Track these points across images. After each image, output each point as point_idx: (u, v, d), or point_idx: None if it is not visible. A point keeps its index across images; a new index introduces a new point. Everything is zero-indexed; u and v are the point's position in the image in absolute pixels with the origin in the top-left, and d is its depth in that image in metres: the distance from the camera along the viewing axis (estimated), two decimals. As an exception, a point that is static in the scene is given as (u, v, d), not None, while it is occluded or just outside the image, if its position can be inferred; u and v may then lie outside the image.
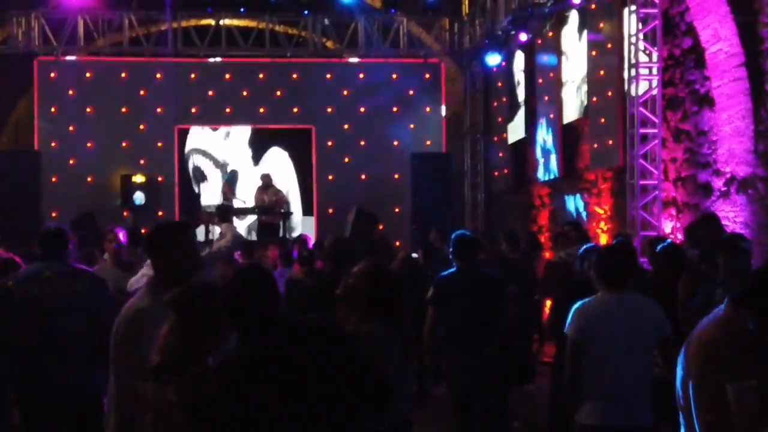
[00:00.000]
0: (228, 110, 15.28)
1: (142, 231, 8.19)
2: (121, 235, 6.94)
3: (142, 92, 14.93)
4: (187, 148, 15.78)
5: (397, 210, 15.02)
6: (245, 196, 15.35)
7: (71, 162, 14.67)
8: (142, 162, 14.91)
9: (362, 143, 15.35)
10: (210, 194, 15.60)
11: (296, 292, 6.59)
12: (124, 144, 14.90)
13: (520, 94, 14.75)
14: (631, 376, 4.30)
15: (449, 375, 6.16)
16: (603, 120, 11.25)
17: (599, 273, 4.46)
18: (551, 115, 13.21)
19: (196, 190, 15.71)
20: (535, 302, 8.68)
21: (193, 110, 15.22)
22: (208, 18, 15.38)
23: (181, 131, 15.52)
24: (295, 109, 15.32)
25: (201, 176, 15.90)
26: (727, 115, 8.41)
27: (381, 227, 12.87)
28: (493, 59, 14.57)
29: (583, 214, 12.13)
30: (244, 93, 15.25)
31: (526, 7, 12.76)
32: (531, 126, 14.20)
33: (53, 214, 13.75)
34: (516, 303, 7.09)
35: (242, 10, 15.88)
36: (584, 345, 4.32)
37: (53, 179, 14.48)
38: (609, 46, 11.01)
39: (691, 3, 8.69)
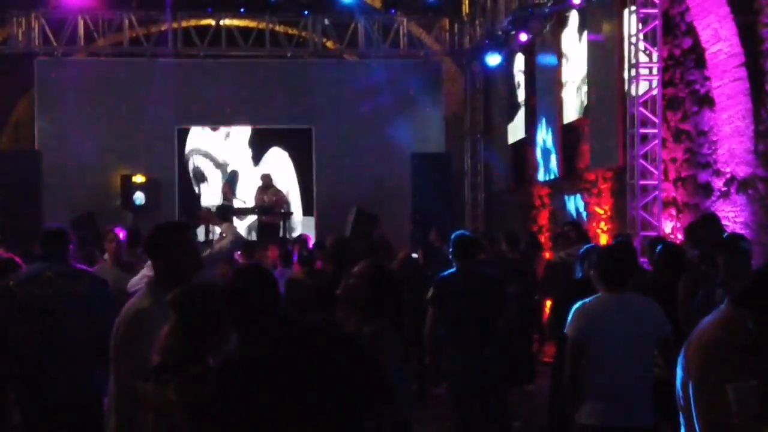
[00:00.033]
0: (228, 110, 15.29)
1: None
2: (121, 235, 6.93)
3: (142, 92, 14.92)
4: (187, 148, 15.78)
5: (397, 210, 15.02)
6: (245, 196, 15.35)
7: (71, 162, 14.64)
8: (142, 162, 14.91)
9: (362, 143, 15.34)
10: (210, 194, 15.62)
11: (296, 292, 6.59)
12: (124, 144, 14.90)
13: (520, 94, 14.74)
14: (632, 376, 4.29)
15: (449, 375, 6.16)
16: (603, 120, 11.24)
17: (599, 273, 4.46)
18: (551, 116, 13.21)
19: (196, 191, 15.73)
20: (535, 302, 8.67)
21: (193, 110, 15.22)
22: (208, 18, 15.37)
23: (181, 131, 15.52)
24: (295, 109, 15.33)
25: (201, 176, 15.91)
26: (727, 115, 8.40)
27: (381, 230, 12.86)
28: (493, 59, 14.55)
29: (583, 214, 12.13)
30: (244, 93, 15.26)
31: (526, 7, 12.75)
32: (531, 126, 14.19)
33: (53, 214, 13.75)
34: (516, 303, 7.08)
35: (242, 10, 15.86)
36: (584, 345, 4.32)
37: (53, 179, 14.46)
38: (609, 46, 11.01)
39: (691, 3, 8.68)
